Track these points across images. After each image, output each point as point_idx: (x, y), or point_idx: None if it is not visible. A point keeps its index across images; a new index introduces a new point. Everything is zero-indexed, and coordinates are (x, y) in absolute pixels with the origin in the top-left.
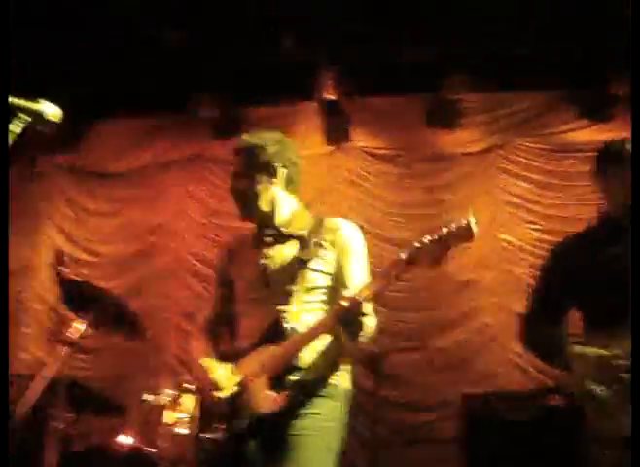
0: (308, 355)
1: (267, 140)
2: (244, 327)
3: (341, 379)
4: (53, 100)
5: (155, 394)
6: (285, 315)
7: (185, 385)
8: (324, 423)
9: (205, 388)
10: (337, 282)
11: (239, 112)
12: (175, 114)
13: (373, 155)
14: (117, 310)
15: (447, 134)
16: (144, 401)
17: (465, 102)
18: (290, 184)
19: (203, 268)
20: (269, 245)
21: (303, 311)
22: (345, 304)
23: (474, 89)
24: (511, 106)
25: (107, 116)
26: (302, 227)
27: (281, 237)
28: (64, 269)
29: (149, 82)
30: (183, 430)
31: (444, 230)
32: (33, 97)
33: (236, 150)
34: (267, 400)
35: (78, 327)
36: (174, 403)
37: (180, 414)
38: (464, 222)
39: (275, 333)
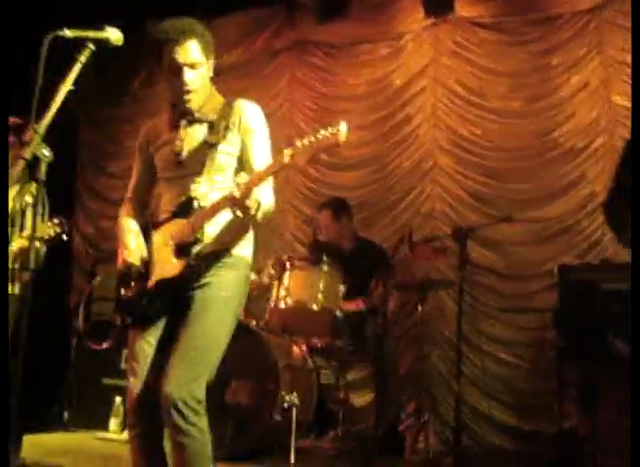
0: (210, 229)
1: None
2: (163, 202)
3: (241, 249)
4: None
5: (259, 273)
6: (195, 194)
7: (287, 264)
8: (221, 292)
9: (122, 251)
10: (243, 162)
11: None
12: (277, 3)
13: (476, 24)
14: None
15: None
16: (250, 281)
17: None
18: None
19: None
20: (183, 128)
21: (212, 191)
22: (235, 193)
23: None
24: None
25: (216, 13)
26: (212, 111)
27: (194, 121)
28: None
29: None
30: (284, 305)
31: (315, 136)
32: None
33: (182, 36)
34: (171, 266)
35: None
36: (278, 281)
37: (283, 291)
38: (334, 131)
39: (185, 209)
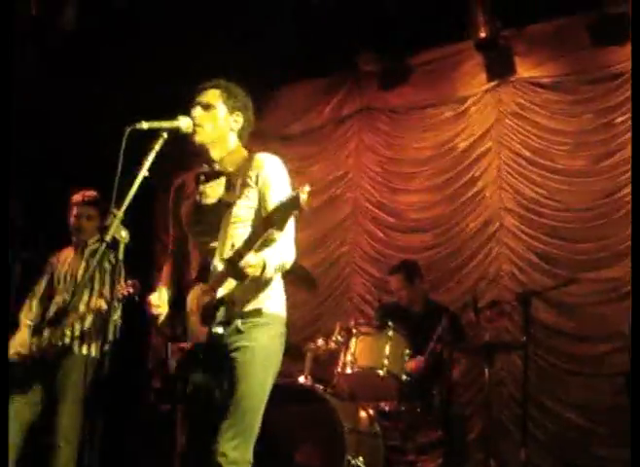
0: (225, 292)
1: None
2: (193, 258)
3: (272, 306)
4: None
5: (327, 338)
6: (212, 251)
7: (353, 330)
8: (258, 356)
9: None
10: (260, 215)
11: (402, 61)
12: (343, 72)
13: (538, 84)
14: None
15: (616, 51)
16: (318, 346)
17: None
18: (243, 130)
19: (381, 214)
20: (204, 182)
21: (229, 246)
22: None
23: None
24: None
25: (283, 83)
26: (232, 164)
27: (214, 174)
28: None
29: (315, 46)
30: (351, 370)
31: (276, 204)
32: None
33: (208, 84)
34: (200, 332)
35: None
36: (345, 346)
37: (349, 357)
38: (293, 194)
39: (204, 272)
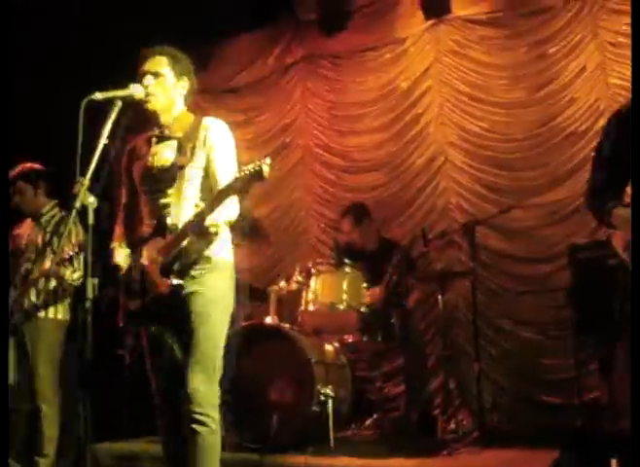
0: (184, 243)
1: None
2: (145, 216)
3: (218, 252)
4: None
5: (288, 280)
6: (167, 210)
7: (312, 270)
8: (209, 301)
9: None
10: (208, 174)
11: (341, 7)
12: (284, 21)
13: (473, 21)
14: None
15: None
16: (280, 288)
17: None
18: (188, 94)
19: (331, 157)
20: (155, 145)
21: (182, 204)
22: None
23: None
24: None
25: (227, 36)
26: (180, 129)
27: (165, 138)
28: None
29: None
30: (313, 307)
31: (240, 173)
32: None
33: (153, 51)
34: (160, 283)
35: None
36: (306, 286)
37: (311, 295)
38: (257, 166)
39: (160, 227)
